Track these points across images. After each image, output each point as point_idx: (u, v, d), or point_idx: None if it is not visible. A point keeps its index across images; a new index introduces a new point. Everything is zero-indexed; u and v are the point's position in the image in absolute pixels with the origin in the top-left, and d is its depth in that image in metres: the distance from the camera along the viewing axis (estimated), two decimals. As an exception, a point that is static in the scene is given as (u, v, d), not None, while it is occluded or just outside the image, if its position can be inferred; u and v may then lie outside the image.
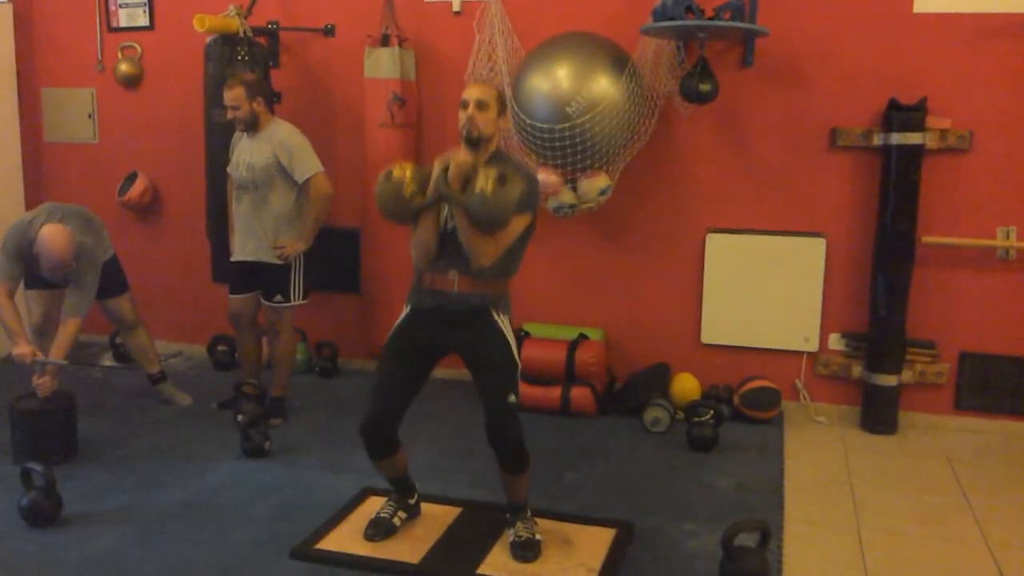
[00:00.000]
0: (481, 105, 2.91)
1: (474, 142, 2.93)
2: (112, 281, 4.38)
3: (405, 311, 3.07)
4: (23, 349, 3.93)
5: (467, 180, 2.84)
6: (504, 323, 2.98)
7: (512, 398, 2.93)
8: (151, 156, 5.48)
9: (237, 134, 4.28)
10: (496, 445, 2.95)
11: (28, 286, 4.23)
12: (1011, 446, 4.22)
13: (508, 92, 4.38)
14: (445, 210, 2.93)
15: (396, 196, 2.88)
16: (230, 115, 4.14)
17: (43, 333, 4.31)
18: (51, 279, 4.11)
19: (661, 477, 3.79)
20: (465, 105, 2.93)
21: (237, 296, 4.36)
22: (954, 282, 4.35)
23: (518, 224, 2.91)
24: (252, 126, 4.16)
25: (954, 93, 4.22)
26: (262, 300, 4.31)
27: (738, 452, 4.06)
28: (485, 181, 2.75)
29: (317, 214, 4.23)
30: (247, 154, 4.17)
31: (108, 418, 4.42)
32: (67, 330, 4.05)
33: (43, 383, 3.91)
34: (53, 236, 3.90)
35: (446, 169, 2.85)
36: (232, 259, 4.35)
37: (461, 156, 2.91)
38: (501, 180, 2.76)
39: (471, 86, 3.02)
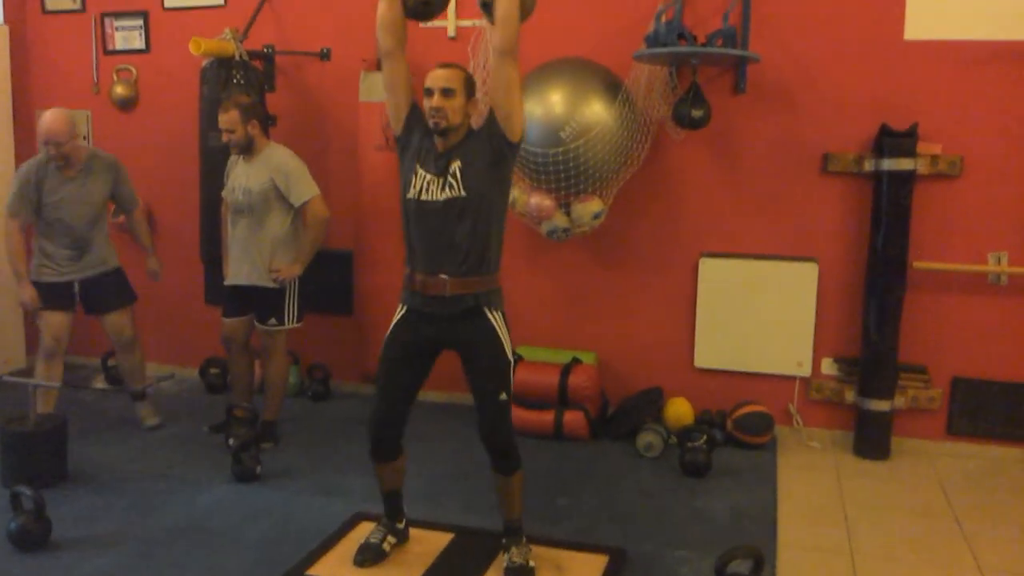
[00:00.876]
0: (447, 93, 2.83)
1: (442, 133, 2.87)
2: (112, 293, 4.43)
3: (400, 311, 3.05)
4: (29, 294, 4.16)
5: None
6: (497, 319, 2.97)
7: (503, 396, 2.95)
8: (146, 178, 5.45)
9: (233, 158, 4.28)
10: (488, 443, 2.99)
11: (42, 305, 4.26)
12: (1003, 472, 4.22)
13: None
14: (426, 182, 2.90)
15: None
16: (225, 138, 4.14)
17: (52, 355, 4.28)
18: (60, 171, 4.21)
19: (654, 503, 3.78)
20: (429, 93, 2.85)
21: (230, 319, 4.35)
22: (946, 307, 4.37)
23: (513, 71, 2.82)
24: (247, 149, 4.16)
25: (945, 119, 4.25)
26: (256, 323, 4.30)
27: (731, 477, 4.05)
28: None
29: (314, 237, 4.24)
30: (243, 178, 4.17)
31: (99, 441, 4.40)
32: (135, 219, 4.52)
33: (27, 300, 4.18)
34: (50, 112, 4.14)
35: None
36: (226, 283, 4.35)
37: None
38: None
39: (435, 71, 2.88)
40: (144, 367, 4.66)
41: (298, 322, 4.34)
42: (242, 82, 4.66)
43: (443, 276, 2.90)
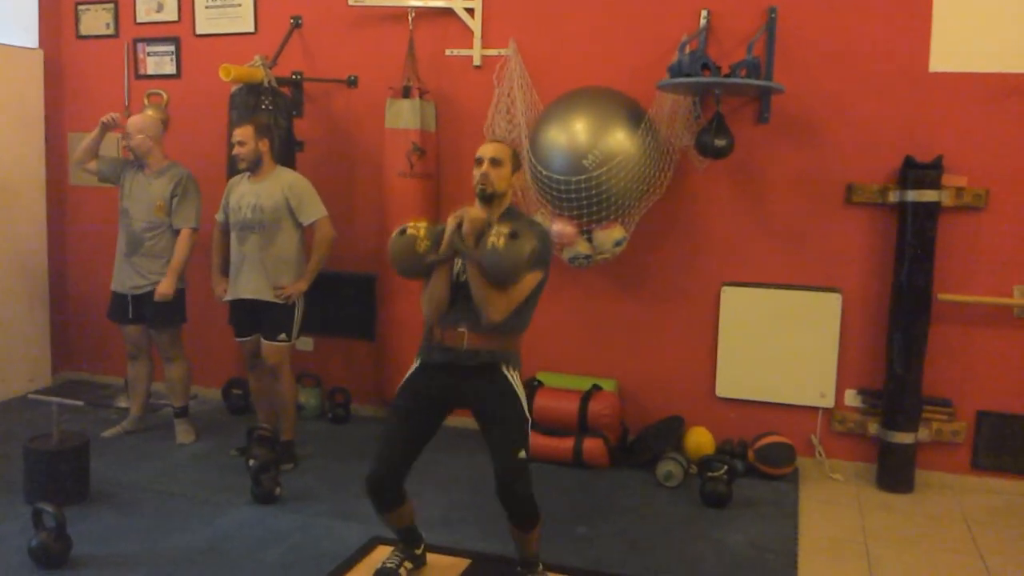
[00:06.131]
0: (495, 162, 3.01)
1: (487, 198, 3.00)
2: (154, 311, 4.61)
3: (415, 364, 3.08)
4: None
5: (481, 235, 2.88)
6: (514, 378, 2.98)
7: (522, 454, 2.91)
8: (173, 201, 5.55)
9: (235, 179, 4.41)
10: (505, 501, 2.93)
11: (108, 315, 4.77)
12: (1030, 508, 4.16)
13: (525, 144, 4.43)
14: (458, 265, 2.97)
15: (409, 251, 2.95)
16: (235, 151, 4.27)
17: (132, 357, 4.80)
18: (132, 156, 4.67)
19: (673, 533, 3.75)
20: (479, 162, 3.02)
21: (247, 338, 4.42)
22: (971, 340, 4.32)
23: (530, 280, 2.95)
24: (254, 166, 4.28)
25: (970, 151, 4.23)
26: (263, 340, 4.35)
27: (752, 509, 4.01)
28: (497, 237, 2.80)
29: (321, 256, 4.35)
30: (252, 196, 4.27)
31: (121, 460, 4.43)
32: (179, 240, 4.61)
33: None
34: (137, 114, 4.79)
35: (460, 224, 2.90)
36: (228, 298, 4.41)
37: (475, 212, 2.95)
38: (513, 235, 2.81)
39: (486, 144, 3.09)
40: (184, 386, 4.79)
41: (298, 338, 4.44)
42: (271, 108, 4.72)
43: (462, 330, 2.95)
